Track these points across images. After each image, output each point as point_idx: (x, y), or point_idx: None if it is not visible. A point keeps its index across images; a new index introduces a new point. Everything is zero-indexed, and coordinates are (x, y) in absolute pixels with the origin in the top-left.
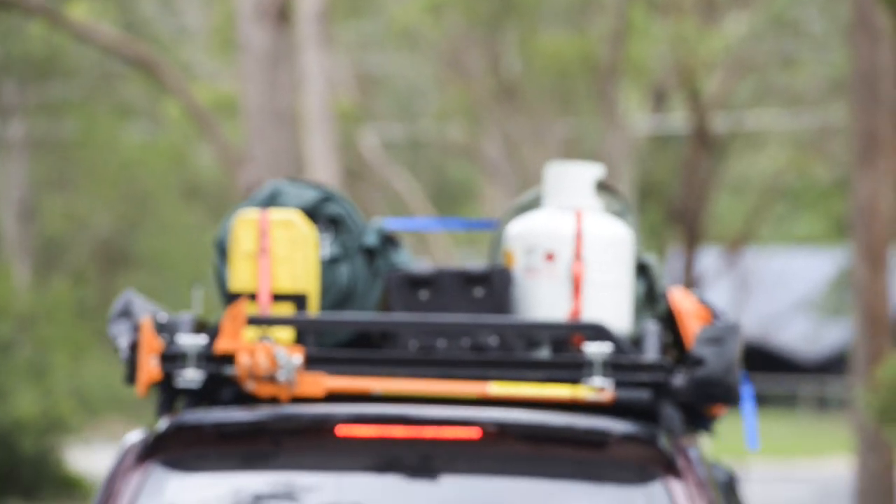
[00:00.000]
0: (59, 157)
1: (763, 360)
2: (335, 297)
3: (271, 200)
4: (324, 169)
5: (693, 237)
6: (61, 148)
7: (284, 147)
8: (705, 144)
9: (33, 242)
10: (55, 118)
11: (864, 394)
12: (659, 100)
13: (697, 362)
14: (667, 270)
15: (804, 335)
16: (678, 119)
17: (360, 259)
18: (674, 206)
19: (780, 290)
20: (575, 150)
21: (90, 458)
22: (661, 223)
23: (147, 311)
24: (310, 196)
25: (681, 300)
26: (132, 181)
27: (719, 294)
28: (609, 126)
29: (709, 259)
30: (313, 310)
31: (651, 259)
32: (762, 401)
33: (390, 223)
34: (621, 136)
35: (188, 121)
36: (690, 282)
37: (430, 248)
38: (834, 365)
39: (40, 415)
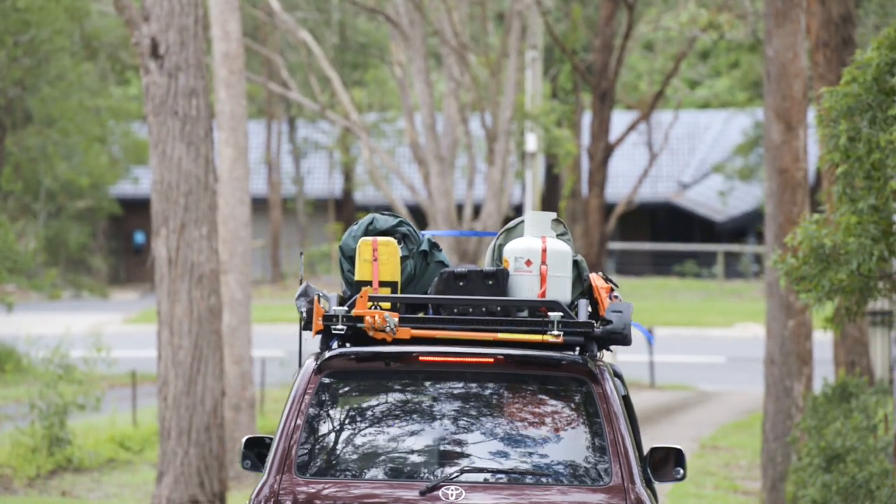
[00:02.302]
0: None
1: (675, 223)
2: (405, 280)
3: (370, 224)
4: (225, 27)
5: (605, 99)
6: None
7: (186, 3)
8: (618, 1)
9: None
10: None
11: (778, 258)
12: None
13: (607, 322)
14: (582, 132)
15: (717, 198)
16: None
17: (419, 257)
18: (586, 66)
19: (692, 152)
20: (484, 9)
21: None
22: (572, 84)
23: (315, 293)
24: (392, 222)
25: (596, 280)
26: (27, 35)
27: (631, 157)
28: None
29: (621, 121)
30: (399, 292)
31: (579, 257)
32: (673, 263)
33: (431, 234)
34: None
35: None
36: (603, 148)
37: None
38: (747, 228)
39: None
